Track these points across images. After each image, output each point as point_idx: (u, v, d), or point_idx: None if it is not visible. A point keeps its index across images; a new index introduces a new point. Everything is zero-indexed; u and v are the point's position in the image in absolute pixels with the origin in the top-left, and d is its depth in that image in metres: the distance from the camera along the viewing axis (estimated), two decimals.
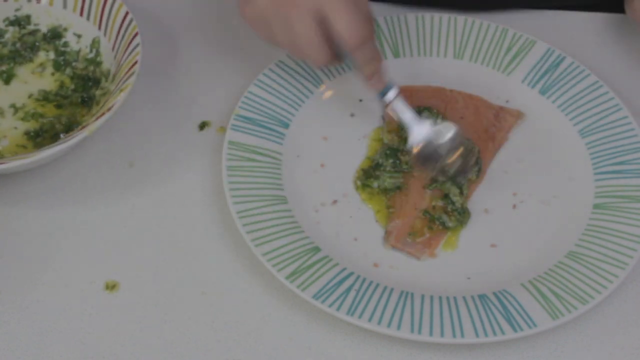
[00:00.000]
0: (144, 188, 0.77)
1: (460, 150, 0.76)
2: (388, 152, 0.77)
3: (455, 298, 0.69)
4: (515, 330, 0.66)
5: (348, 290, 0.68)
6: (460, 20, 0.87)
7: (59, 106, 0.81)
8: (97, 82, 0.82)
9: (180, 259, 0.73)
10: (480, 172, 0.77)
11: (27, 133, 0.79)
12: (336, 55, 0.74)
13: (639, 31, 0.88)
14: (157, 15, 0.91)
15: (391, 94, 0.76)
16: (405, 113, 0.76)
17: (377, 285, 0.69)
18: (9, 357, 0.67)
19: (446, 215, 0.74)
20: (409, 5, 0.91)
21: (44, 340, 0.68)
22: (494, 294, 0.69)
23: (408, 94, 0.82)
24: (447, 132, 0.76)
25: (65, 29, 0.84)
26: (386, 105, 0.76)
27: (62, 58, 0.84)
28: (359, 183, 0.76)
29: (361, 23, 0.71)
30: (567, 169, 0.78)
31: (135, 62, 0.76)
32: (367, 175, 0.77)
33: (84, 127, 0.72)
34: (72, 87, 0.82)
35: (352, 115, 0.82)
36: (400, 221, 0.73)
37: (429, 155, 0.76)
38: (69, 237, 0.74)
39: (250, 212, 0.72)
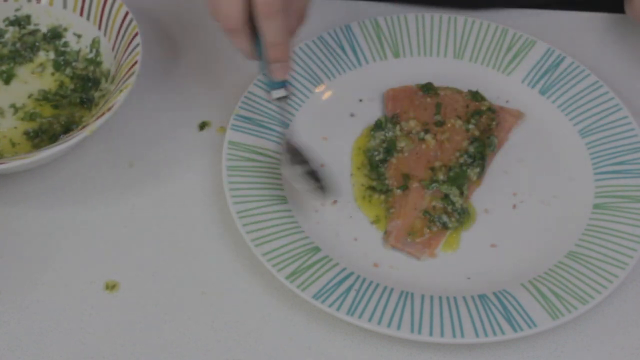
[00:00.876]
0: (144, 188, 0.77)
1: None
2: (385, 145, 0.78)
3: (455, 298, 0.69)
4: (515, 330, 0.66)
5: (348, 290, 0.68)
6: (460, 20, 0.87)
7: (57, 106, 0.81)
8: (96, 83, 0.82)
9: (180, 259, 0.73)
10: (482, 174, 0.77)
11: (26, 133, 0.79)
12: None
13: (639, 30, 0.88)
14: (157, 15, 0.91)
15: (282, 91, 0.74)
16: (284, 116, 0.76)
17: (377, 285, 0.69)
18: (9, 357, 0.67)
19: (446, 216, 0.74)
20: (409, 4, 0.91)
21: (44, 340, 0.68)
22: (494, 294, 0.69)
23: (408, 94, 0.82)
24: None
25: (65, 29, 0.84)
26: (272, 99, 0.75)
27: (62, 58, 0.84)
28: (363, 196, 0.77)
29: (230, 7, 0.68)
30: (567, 169, 0.78)
31: (135, 62, 0.76)
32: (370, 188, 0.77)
33: (84, 127, 0.72)
34: (72, 87, 0.82)
35: (352, 115, 0.82)
36: (400, 221, 0.73)
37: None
38: (69, 237, 0.74)
39: (250, 212, 0.72)
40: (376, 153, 0.78)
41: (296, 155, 0.74)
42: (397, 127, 0.79)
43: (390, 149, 0.78)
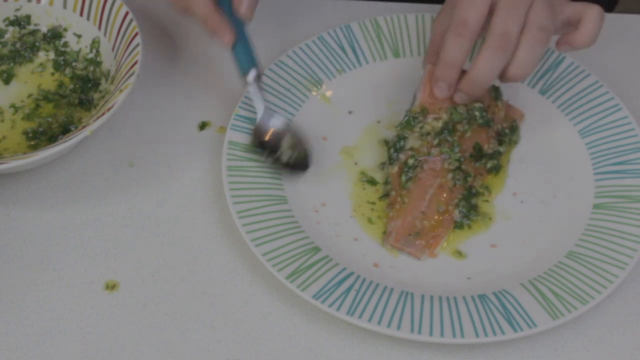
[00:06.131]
0: (144, 188, 0.77)
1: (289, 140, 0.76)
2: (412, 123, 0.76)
3: (455, 298, 0.69)
4: (515, 330, 0.66)
5: (348, 290, 0.68)
6: None
7: (56, 106, 0.81)
8: (96, 84, 0.82)
9: (180, 259, 0.73)
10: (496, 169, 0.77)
11: (25, 133, 0.79)
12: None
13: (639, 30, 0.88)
14: (157, 15, 0.91)
15: (251, 74, 0.76)
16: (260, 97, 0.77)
17: (377, 285, 0.69)
18: (9, 357, 0.67)
19: (457, 210, 0.74)
20: (409, 3, 0.91)
21: (44, 340, 0.68)
22: (494, 294, 0.69)
23: None
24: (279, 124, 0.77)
25: (65, 29, 0.84)
26: (246, 85, 0.77)
27: (62, 58, 0.84)
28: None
29: None
30: (567, 169, 0.78)
31: (135, 62, 0.76)
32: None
33: (84, 127, 0.72)
34: (71, 87, 0.82)
35: (352, 115, 0.82)
36: (400, 221, 0.73)
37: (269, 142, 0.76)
38: (69, 237, 0.74)
39: (250, 212, 0.72)
40: (392, 151, 0.77)
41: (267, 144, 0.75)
42: (419, 126, 0.76)
43: (398, 147, 0.77)
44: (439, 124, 0.75)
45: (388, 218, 0.74)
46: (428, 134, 0.76)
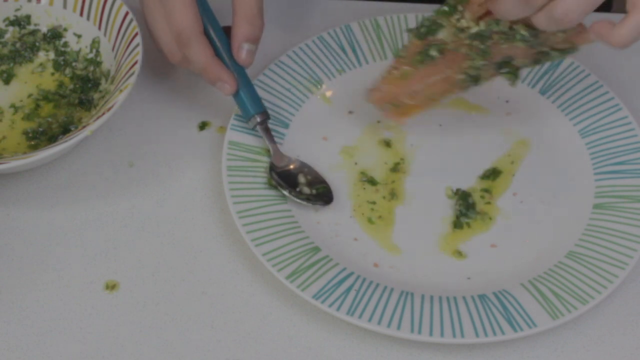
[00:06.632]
0: (144, 188, 0.77)
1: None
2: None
3: (455, 298, 0.69)
4: (515, 330, 0.66)
5: (348, 290, 0.68)
6: None
7: (56, 106, 0.81)
8: (96, 84, 0.82)
9: (180, 259, 0.73)
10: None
11: (25, 133, 0.79)
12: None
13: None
14: None
15: (257, 119, 0.77)
16: (269, 139, 0.77)
17: (377, 285, 0.69)
18: (9, 357, 0.67)
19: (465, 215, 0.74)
20: (409, 3, 0.91)
21: (44, 340, 0.68)
22: (494, 294, 0.69)
23: None
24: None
25: (65, 29, 0.84)
26: (254, 126, 0.77)
27: (62, 58, 0.84)
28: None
29: (183, 15, 0.73)
30: (567, 169, 0.78)
31: (135, 62, 0.76)
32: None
33: (84, 127, 0.72)
34: (71, 87, 0.82)
35: (352, 115, 0.82)
36: (390, 87, 0.74)
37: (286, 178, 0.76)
38: (69, 237, 0.74)
39: (250, 212, 0.72)
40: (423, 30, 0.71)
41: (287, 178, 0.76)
42: (456, 16, 0.69)
43: (432, 30, 0.71)
44: (475, 29, 0.69)
45: (384, 76, 0.75)
46: (462, 30, 0.70)
